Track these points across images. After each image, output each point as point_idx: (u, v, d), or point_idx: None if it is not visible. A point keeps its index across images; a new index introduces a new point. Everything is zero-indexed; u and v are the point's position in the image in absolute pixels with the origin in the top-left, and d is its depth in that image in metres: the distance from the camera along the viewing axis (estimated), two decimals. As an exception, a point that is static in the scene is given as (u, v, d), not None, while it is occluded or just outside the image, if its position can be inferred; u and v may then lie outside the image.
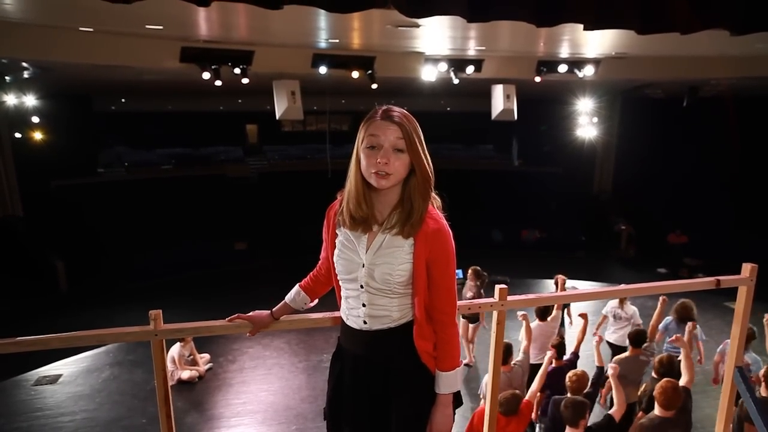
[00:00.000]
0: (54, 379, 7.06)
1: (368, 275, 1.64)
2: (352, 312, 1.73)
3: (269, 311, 1.94)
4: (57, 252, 11.77)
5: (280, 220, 14.24)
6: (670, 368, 4.15)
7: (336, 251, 1.72)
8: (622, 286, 2.56)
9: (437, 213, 1.68)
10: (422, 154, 1.61)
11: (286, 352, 7.74)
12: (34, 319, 8.18)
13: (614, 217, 14.93)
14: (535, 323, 5.46)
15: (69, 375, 7.20)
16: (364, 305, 1.68)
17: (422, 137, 1.63)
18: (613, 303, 6.15)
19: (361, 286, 1.67)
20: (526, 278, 11.33)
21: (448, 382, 1.71)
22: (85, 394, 6.74)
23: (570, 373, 4.12)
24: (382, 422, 1.74)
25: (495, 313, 2.12)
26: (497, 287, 2.12)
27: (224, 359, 7.53)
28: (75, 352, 7.66)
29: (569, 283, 11.18)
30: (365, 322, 1.70)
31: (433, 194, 1.71)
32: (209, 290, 11.12)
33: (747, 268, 2.34)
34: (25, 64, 7.76)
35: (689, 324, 4.71)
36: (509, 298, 2.11)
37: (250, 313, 1.92)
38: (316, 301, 2.01)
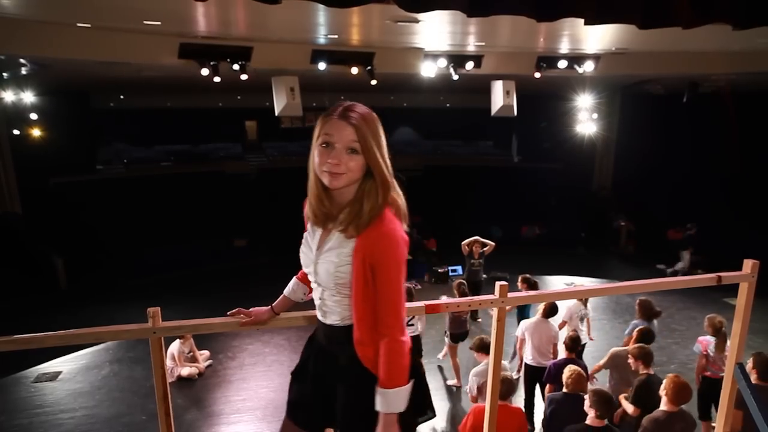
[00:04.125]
0: (54, 376, 7.06)
1: (315, 272, 1.66)
2: (316, 302, 1.77)
3: (269, 306, 1.95)
4: (56, 249, 11.76)
5: (279, 216, 14.22)
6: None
7: (302, 244, 1.75)
8: (623, 283, 2.54)
9: (392, 218, 1.59)
10: (379, 157, 1.56)
11: (285, 349, 7.74)
12: (33, 317, 8.18)
13: (614, 213, 14.93)
14: (535, 319, 5.43)
15: (69, 372, 7.20)
16: (320, 299, 1.72)
17: (382, 139, 1.57)
18: (577, 304, 6.03)
19: (315, 281, 1.70)
20: (526, 275, 11.35)
21: (388, 401, 1.58)
22: (85, 391, 6.74)
23: (571, 368, 4.10)
24: (332, 415, 1.75)
25: (495, 310, 2.11)
26: (497, 284, 2.11)
27: (224, 356, 7.53)
28: (75, 349, 7.66)
29: (568, 279, 11.22)
30: (322, 315, 1.74)
31: (399, 200, 1.63)
32: (209, 287, 11.12)
33: (748, 265, 2.33)
34: (22, 61, 7.73)
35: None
36: (509, 294, 2.10)
37: (251, 309, 1.93)
38: None
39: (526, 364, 5.42)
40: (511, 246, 12.68)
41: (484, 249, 8.34)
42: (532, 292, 4.94)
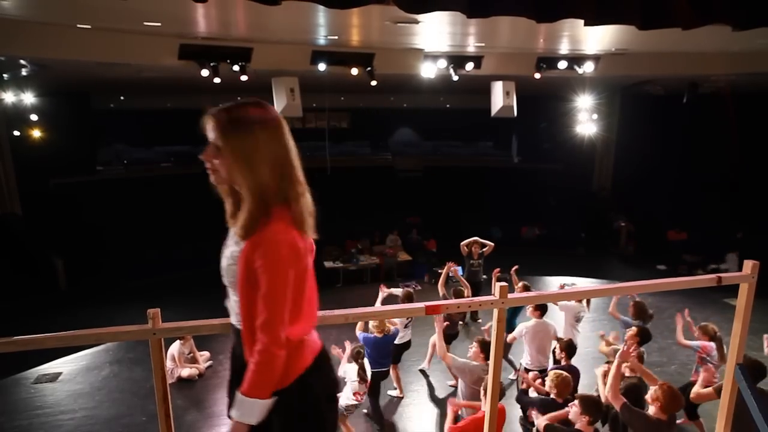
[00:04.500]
0: (54, 377, 7.05)
1: (221, 266, 1.68)
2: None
3: None
4: (56, 250, 11.76)
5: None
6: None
7: None
8: (624, 284, 2.55)
9: (281, 224, 1.54)
10: (242, 161, 1.52)
11: (285, 350, 7.73)
12: (33, 318, 8.17)
13: (614, 213, 14.93)
14: (533, 322, 5.42)
15: (69, 373, 7.20)
16: (228, 295, 1.71)
17: (251, 147, 1.53)
18: (577, 305, 5.98)
19: None
20: (526, 275, 11.32)
21: (242, 409, 1.54)
22: (85, 392, 6.73)
23: (555, 372, 4.08)
24: None
25: (495, 311, 2.11)
26: (497, 285, 2.11)
27: (224, 357, 7.52)
28: (74, 350, 7.65)
29: (569, 279, 11.22)
30: (229, 312, 1.73)
31: (297, 207, 1.58)
32: (209, 288, 11.05)
33: (748, 265, 2.33)
34: (23, 62, 7.73)
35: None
36: (509, 295, 2.10)
37: None
38: None
39: (525, 368, 5.40)
40: (510, 247, 12.67)
41: (484, 249, 8.34)
42: (531, 293, 4.95)
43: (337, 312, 2.03)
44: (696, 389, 3.92)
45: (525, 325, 5.45)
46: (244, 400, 1.53)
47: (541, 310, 5.42)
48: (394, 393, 6.27)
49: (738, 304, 2.40)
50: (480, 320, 8.53)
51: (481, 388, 3.83)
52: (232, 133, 1.52)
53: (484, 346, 4.50)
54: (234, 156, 1.53)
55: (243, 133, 1.53)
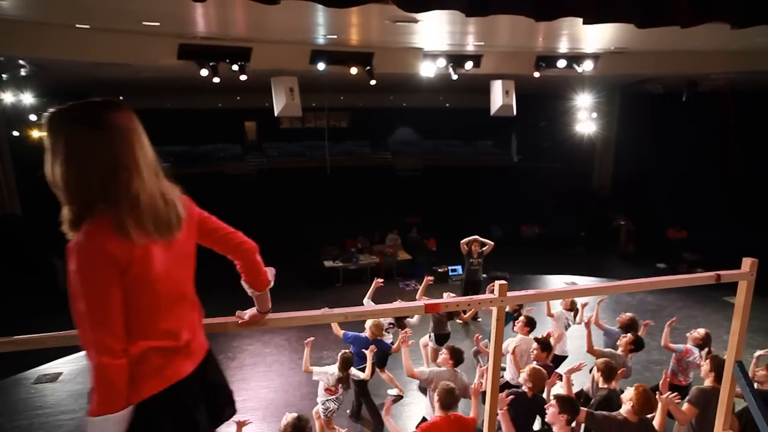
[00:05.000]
0: (54, 377, 7.06)
1: None
2: None
3: (256, 309, 1.97)
4: (56, 250, 11.73)
5: (279, 217, 14.24)
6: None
7: None
8: (623, 282, 2.55)
9: (90, 230, 1.49)
10: (49, 158, 1.52)
11: (286, 349, 7.74)
12: (33, 318, 8.16)
13: (613, 212, 14.93)
14: (518, 338, 5.35)
15: (69, 373, 7.20)
16: None
17: (59, 143, 1.50)
18: (564, 312, 5.94)
19: None
20: (526, 274, 11.35)
21: (96, 431, 1.46)
22: (86, 392, 6.71)
23: (532, 367, 4.08)
24: None
25: (494, 310, 2.11)
26: (497, 283, 2.11)
27: (224, 356, 7.53)
28: (75, 350, 7.63)
29: (568, 279, 11.22)
30: None
31: (123, 213, 1.51)
32: (208, 287, 11.07)
33: (747, 263, 2.34)
34: (21, 62, 7.72)
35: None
36: (509, 294, 2.11)
37: (246, 311, 2.00)
38: (270, 277, 1.99)
39: (507, 381, 5.34)
40: (510, 246, 12.68)
41: (483, 248, 8.35)
42: (531, 291, 4.94)
43: (336, 311, 2.03)
44: (676, 413, 3.86)
45: (513, 340, 5.29)
46: (94, 421, 1.44)
47: (531, 326, 5.40)
48: (394, 392, 6.26)
49: (737, 302, 2.40)
50: (480, 319, 8.54)
51: (435, 393, 3.82)
52: (48, 127, 1.52)
53: (454, 353, 4.59)
54: (49, 150, 1.52)
55: (55, 129, 1.52)
